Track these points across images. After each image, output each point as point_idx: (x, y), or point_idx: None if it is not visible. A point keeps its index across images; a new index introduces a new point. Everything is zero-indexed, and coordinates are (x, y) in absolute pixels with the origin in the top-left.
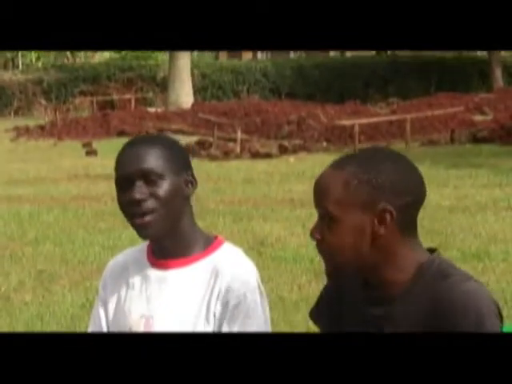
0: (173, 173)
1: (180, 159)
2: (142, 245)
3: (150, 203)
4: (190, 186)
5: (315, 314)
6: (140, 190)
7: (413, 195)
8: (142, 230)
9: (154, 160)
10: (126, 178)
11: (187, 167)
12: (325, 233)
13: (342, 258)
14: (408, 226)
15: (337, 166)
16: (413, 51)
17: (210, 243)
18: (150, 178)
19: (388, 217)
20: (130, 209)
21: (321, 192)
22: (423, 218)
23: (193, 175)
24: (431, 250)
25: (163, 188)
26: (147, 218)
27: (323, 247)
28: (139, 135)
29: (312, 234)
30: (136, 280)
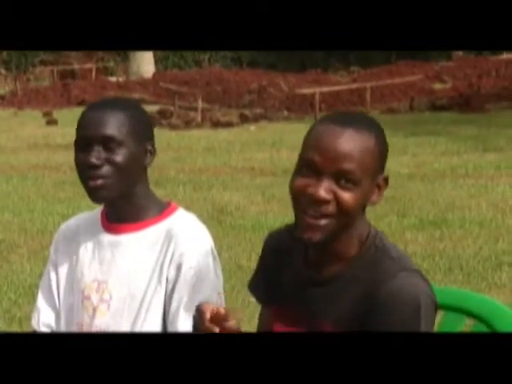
0: (133, 141)
1: (143, 128)
2: (96, 210)
3: (106, 169)
4: (149, 155)
5: (252, 285)
6: (97, 155)
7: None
8: (93, 193)
9: (115, 126)
10: (86, 141)
11: (149, 136)
12: (338, 194)
13: (346, 220)
14: None
15: (357, 127)
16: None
17: (163, 209)
18: (108, 145)
19: (384, 186)
20: (86, 171)
21: (344, 153)
22: None
23: (153, 144)
24: None
25: (121, 155)
26: (100, 182)
27: (330, 209)
28: (105, 98)
29: (318, 194)
30: (89, 244)
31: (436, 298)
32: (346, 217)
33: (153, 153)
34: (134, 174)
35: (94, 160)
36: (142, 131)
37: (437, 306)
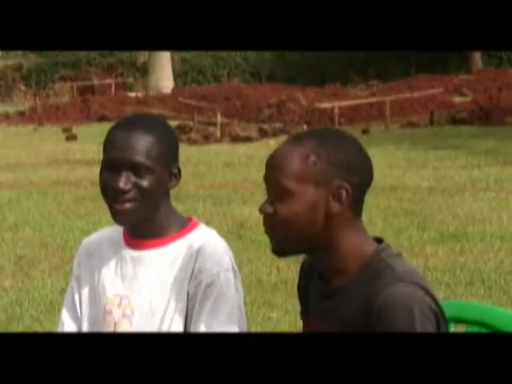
0: (161, 166)
1: (170, 150)
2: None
3: (133, 193)
4: (173, 178)
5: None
6: (126, 180)
7: (365, 175)
8: (118, 216)
9: (145, 152)
10: (115, 164)
11: (175, 159)
12: (278, 207)
13: (295, 233)
14: (358, 208)
15: (294, 140)
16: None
17: (185, 225)
18: (138, 170)
19: (344, 194)
20: (112, 194)
21: (276, 166)
22: (402, 200)
23: (179, 167)
24: (378, 240)
25: (149, 181)
26: (127, 205)
27: (274, 221)
28: (135, 115)
29: (262, 209)
30: (111, 259)
31: (440, 309)
32: (285, 227)
33: (177, 176)
34: (158, 197)
35: (122, 185)
36: (170, 154)
37: (439, 317)
